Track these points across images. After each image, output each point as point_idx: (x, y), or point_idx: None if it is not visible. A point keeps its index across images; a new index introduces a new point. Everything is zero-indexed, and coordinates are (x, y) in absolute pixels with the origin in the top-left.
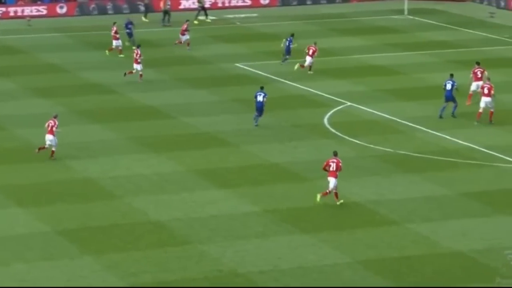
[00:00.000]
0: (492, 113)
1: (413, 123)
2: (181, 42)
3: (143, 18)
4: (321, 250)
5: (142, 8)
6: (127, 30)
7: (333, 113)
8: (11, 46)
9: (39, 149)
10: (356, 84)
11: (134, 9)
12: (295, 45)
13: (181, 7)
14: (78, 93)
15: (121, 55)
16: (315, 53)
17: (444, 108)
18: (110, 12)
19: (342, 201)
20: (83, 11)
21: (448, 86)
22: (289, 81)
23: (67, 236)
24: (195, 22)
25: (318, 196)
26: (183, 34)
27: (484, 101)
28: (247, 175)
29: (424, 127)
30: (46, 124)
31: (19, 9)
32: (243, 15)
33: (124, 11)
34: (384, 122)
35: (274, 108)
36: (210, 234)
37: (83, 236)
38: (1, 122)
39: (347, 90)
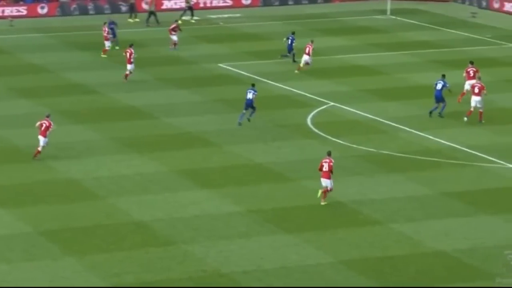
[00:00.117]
0: (481, 113)
1: (396, 123)
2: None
3: (129, 19)
4: (304, 250)
5: (124, 8)
6: (109, 31)
7: (316, 113)
8: None
9: (35, 154)
10: (339, 84)
11: (115, 10)
12: (284, 39)
13: (164, 7)
14: (61, 94)
15: (104, 56)
16: (311, 51)
17: (436, 108)
18: (91, 12)
19: (326, 203)
20: (64, 11)
21: (438, 86)
22: (272, 81)
23: (50, 237)
24: (179, 22)
25: (323, 203)
26: (171, 34)
27: (474, 100)
28: (230, 175)
29: (407, 127)
30: (38, 124)
31: None
32: (226, 15)
33: (106, 11)
34: (367, 122)
35: (258, 108)
36: (194, 234)
37: (65, 237)
38: None
39: (330, 90)
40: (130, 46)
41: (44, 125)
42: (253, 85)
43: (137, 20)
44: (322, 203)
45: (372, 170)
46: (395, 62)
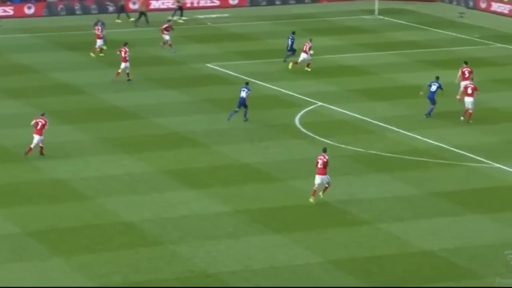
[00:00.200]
0: (470, 113)
1: (384, 123)
2: (167, 43)
3: (117, 20)
4: (292, 250)
5: (111, 8)
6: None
7: (304, 113)
8: None
9: (26, 154)
10: (327, 84)
11: (102, 10)
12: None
13: (152, 7)
14: (48, 94)
15: (101, 54)
16: (310, 50)
17: (432, 109)
18: (78, 12)
19: (312, 201)
20: (51, 11)
21: (433, 88)
22: (260, 81)
23: (37, 237)
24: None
25: (311, 199)
26: (163, 34)
27: (467, 101)
28: (218, 175)
29: (395, 127)
30: (34, 122)
31: None
32: (214, 16)
33: (93, 12)
34: (355, 122)
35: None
36: (182, 234)
37: (53, 238)
38: None
39: (318, 90)
40: (125, 45)
41: (40, 123)
42: (247, 83)
43: (132, 19)
44: (311, 200)
45: (360, 170)
46: (383, 62)
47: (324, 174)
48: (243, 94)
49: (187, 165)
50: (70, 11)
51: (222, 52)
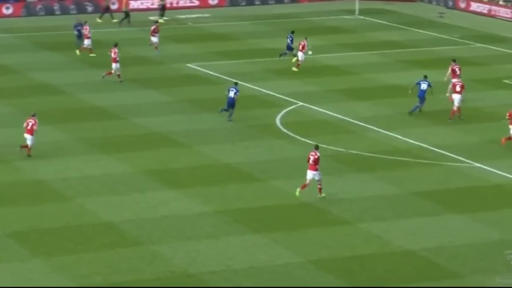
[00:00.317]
0: (454, 111)
1: (364, 123)
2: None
3: (98, 19)
4: (273, 250)
5: (89, 8)
6: (76, 32)
7: (285, 113)
8: None
9: (21, 147)
10: (308, 84)
11: (81, 10)
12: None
13: (130, 7)
14: (28, 94)
15: (92, 55)
16: (304, 48)
17: (416, 107)
18: (57, 12)
19: (324, 195)
20: (30, 11)
21: (423, 86)
22: (240, 81)
23: (17, 238)
24: (159, 21)
25: (298, 190)
26: (152, 36)
27: (454, 97)
28: (199, 176)
29: (375, 126)
30: (25, 124)
31: None
32: (194, 16)
33: (72, 12)
34: (336, 122)
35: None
36: (162, 234)
37: (33, 239)
38: None
39: (299, 90)
40: (115, 45)
41: (30, 123)
42: (235, 83)
43: (115, 20)
44: (319, 196)
45: (341, 169)
46: (363, 62)
47: (315, 170)
48: (232, 94)
49: (168, 165)
50: (49, 11)
51: (203, 52)
